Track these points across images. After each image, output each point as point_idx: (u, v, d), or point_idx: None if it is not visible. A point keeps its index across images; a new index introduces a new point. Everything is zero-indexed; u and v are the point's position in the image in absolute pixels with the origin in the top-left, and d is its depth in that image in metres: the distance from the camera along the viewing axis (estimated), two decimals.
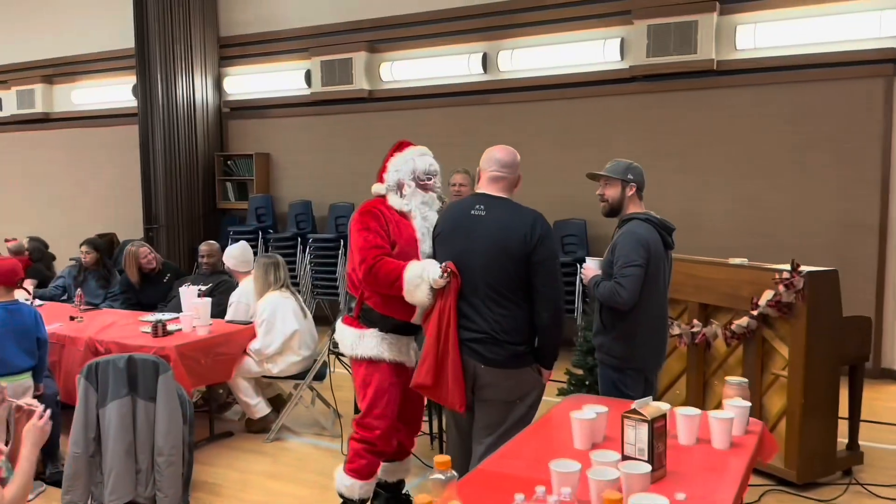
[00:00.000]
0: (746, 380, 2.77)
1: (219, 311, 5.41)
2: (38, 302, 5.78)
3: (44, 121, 10.97)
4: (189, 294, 4.91)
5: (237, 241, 8.51)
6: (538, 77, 7.39)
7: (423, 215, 3.36)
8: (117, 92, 10.05)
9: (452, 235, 3.12)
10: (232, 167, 9.31)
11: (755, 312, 4.03)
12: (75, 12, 10.43)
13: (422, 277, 3.06)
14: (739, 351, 4.26)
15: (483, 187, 3.18)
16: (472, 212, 3.09)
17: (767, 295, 3.98)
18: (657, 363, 3.51)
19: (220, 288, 5.71)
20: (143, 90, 8.75)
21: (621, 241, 3.32)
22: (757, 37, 6.43)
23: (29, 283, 6.50)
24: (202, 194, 9.24)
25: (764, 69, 6.45)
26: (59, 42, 10.63)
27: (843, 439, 4.20)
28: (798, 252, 5.53)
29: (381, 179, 3.46)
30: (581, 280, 6.93)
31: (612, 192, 3.44)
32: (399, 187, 3.38)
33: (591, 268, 3.51)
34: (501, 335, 3.02)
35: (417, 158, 3.41)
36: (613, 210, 3.46)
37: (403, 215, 3.37)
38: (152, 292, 6.16)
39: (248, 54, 9.18)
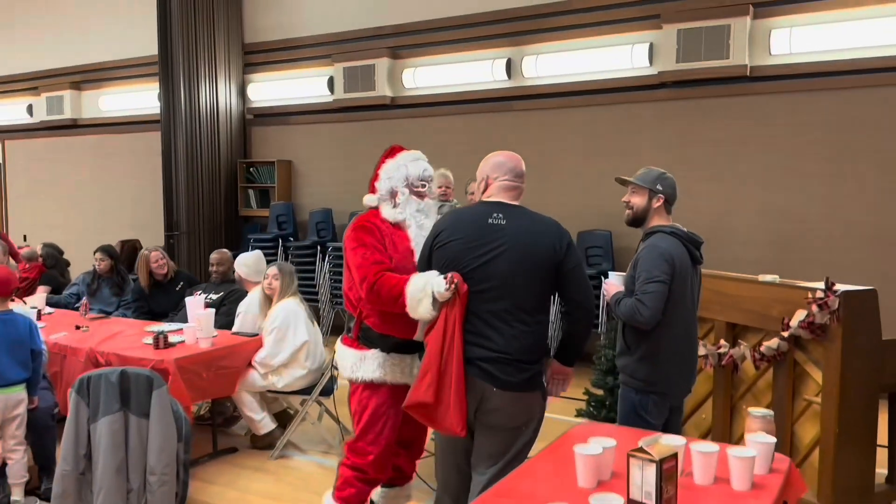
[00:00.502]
0: (771, 412, 2.51)
1: (229, 321, 5.28)
2: (48, 310, 5.71)
3: (72, 127, 11.04)
4: (195, 304, 4.76)
5: (257, 248, 8.46)
6: (564, 83, 7.17)
7: (418, 224, 3.17)
8: (144, 98, 10.04)
9: (467, 245, 2.84)
10: (254, 174, 9.22)
11: (786, 334, 3.76)
12: (104, 19, 10.48)
13: (425, 291, 2.82)
14: (769, 374, 3.99)
15: (495, 196, 2.95)
16: (490, 220, 2.85)
17: (799, 315, 3.70)
18: (684, 388, 3.26)
19: (231, 297, 5.58)
20: (166, 97, 8.71)
21: (644, 255, 3.10)
22: (793, 41, 6.13)
23: (43, 290, 6.45)
24: (224, 202, 9.17)
25: (800, 75, 6.15)
26: (87, 49, 10.69)
27: (881, 470, 3.91)
28: (834, 268, 5.22)
29: (372, 189, 3.27)
30: (604, 295, 6.70)
31: (638, 201, 3.23)
32: (392, 196, 3.19)
33: (612, 283, 3.29)
34: (518, 354, 2.80)
35: (410, 164, 3.22)
36: (637, 219, 3.25)
37: (398, 226, 3.18)
38: (164, 300, 6.06)
39: (271, 61, 9.11)
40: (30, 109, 11.48)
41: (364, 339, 3.21)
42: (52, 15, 11.11)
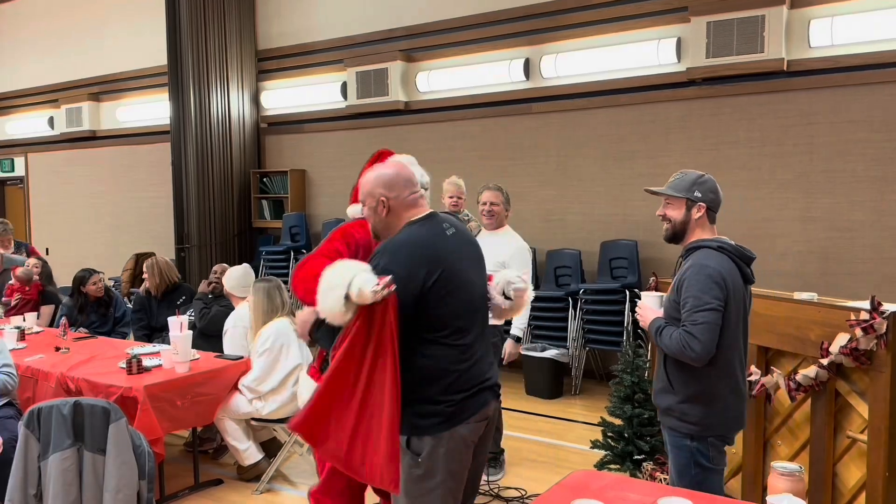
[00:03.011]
0: (800, 466, 2.05)
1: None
2: (35, 328, 5.46)
3: (91, 139, 10.92)
4: (175, 324, 4.43)
5: (269, 261, 8.16)
6: (585, 83, 6.73)
7: None
8: (159, 109, 9.85)
9: (457, 265, 2.50)
10: (268, 184, 8.94)
11: (825, 360, 3.26)
12: (121, 29, 10.35)
13: (343, 279, 2.19)
14: (807, 406, 3.49)
15: (413, 213, 2.48)
16: (447, 233, 2.53)
17: (840, 339, 3.21)
18: (740, 426, 2.82)
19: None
20: (176, 106, 8.49)
21: (690, 277, 2.65)
22: (834, 32, 5.60)
23: (48, 310, 6.19)
24: (237, 213, 8.91)
25: (842, 69, 5.61)
26: (105, 60, 10.58)
27: None
28: (883, 283, 4.70)
29: (356, 198, 2.91)
30: (633, 315, 6.21)
31: (676, 213, 2.79)
32: None
33: (648, 307, 2.82)
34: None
35: None
36: (676, 235, 2.80)
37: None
38: (164, 314, 5.75)
39: (284, 67, 8.83)
40: (51, 122, 11.41)
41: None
42: (71, 26, 11.03)
